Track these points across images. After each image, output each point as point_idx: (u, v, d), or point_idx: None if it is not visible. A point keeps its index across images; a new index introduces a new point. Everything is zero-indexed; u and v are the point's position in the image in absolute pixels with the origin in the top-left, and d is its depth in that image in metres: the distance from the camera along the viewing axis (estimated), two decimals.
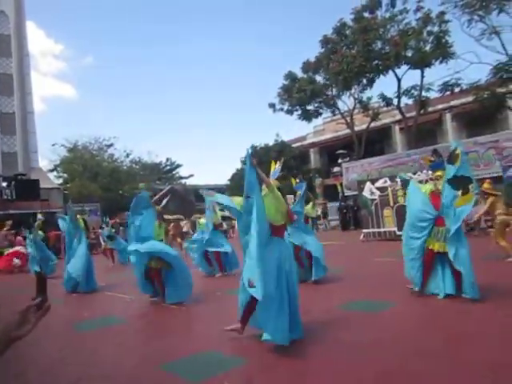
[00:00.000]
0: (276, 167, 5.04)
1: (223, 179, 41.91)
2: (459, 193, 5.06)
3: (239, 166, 38.07)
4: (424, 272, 5.43)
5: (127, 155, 43.94)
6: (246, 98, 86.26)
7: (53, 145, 38.06)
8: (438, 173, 5.53)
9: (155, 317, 5.95)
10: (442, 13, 22.56)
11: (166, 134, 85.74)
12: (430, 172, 7.75)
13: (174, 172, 52.17)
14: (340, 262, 9.58)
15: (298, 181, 7.83)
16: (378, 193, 16.25)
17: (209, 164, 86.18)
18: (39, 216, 12.96)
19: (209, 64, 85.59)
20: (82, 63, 73.39)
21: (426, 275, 5.44)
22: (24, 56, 33.36)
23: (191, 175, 52.37)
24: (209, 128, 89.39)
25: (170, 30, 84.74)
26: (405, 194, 6.43)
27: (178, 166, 51.74)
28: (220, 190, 47.09)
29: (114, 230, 15.04)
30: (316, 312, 5.09)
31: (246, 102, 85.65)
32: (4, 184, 25.82)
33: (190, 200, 44.02)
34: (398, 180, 16.05)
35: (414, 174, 14.77)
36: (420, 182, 11.40)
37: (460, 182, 5.05)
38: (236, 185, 35.91)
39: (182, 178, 51.92)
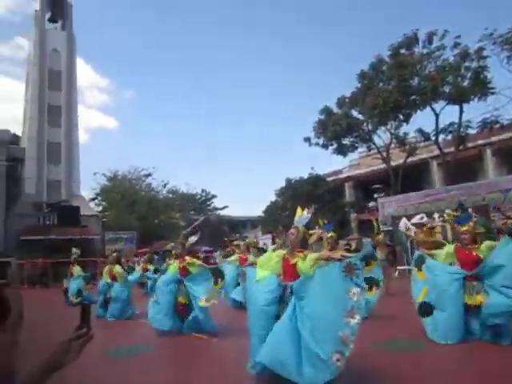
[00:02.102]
0: (305, 213, 4.85)
1: (257, 211, 42.06)
2: None
3: (273, 198, 38.25)
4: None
5: (164, 185, 45.02)
6: (283, 131, 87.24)
7: (94, 174, 39.44)
8: (465, 227, 5.38)
9: (184, 346, 5.97)
10: (481, 48, 22.43)
11: (203, 165, 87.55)
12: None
13: (208, 203, 52.88)
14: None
15: (325, 222, 7.55)
16: (413, 229, 15.90)
17: (243, 195, 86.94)
18: (74, 250, 12.52)
19: (247, 96, 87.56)
20: (124, 96, 76.76)
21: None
22: (72, 90, 35.35)
23: (226, 206, 52.98)
24: (245, 160, 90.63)
25: (210, 61, 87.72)
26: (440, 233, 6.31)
27: (213, 196, 52.50)
28: (254, 222, 47.41)
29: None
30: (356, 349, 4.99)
31: (283, 134, 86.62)
32: (47, 210, 26.95)
33: (223, 230, 44.32)
34: (436, 216, 15.74)
35: (455, 210, 14.38)
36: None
37: None
38: (270, 217, 35.95)
39: (216, 208, 52.54)
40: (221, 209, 52.54)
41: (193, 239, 7.53)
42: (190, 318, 6.44)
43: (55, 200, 29.06)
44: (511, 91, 21.53)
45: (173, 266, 7.17)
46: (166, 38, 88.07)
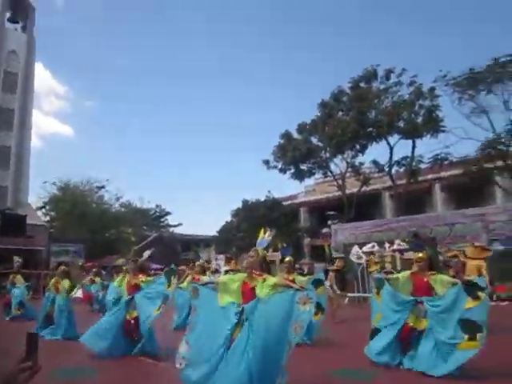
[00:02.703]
0: (265, 237, 4.85)
1: (212, 230, 41.72)
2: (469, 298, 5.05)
3: (229, 218, 38.12)
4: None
5: (117, 198, 43.84)
6: (240, 152, 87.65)
7: (44, 182, 37.71)
8: (420, 254, 5.60)
9: (130, 370, 5.72)
10: (433, 88, 23.73)
11: (159, 180, 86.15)
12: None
13: (162, 219, 51.94)
14: (323, 324, 9.39)
15: (284, 245, 7.65)
16: (364, 257, 16.25)
17: (199, 214, 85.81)
18: (16, 258, 12.01)
19: (205, 112, 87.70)
20: (83, 105, 74.83)
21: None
22: (28, 94, 34.09)
23: (180, 224, 52.12)
24: (201, 178, 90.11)
25: (172, 74, 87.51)
26: (390, 262, 6.56)
27: (168, 213, 51.58)
28: (207, 241, 46.94)
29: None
30: (309, 378, 4.96)
31: (240, 155, 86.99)
32: None
33: (175, 248, 43.55)
34: (386, 245, 16.18)
35: (403, 241, 14.85)
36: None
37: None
38: (224, 238, 35.72)
39: (170, 225, 51.65)
40: (174, 226, 51.69)
41: (147, 253, 7.37)
42: (139, 345, 6.19)
43: (0, 207, 27.57)
44: (461, 131, 22.84)
45: (122, 283, 6.93)
46: (132, 50, 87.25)
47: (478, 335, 4.85)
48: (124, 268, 8.28)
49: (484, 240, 19.31)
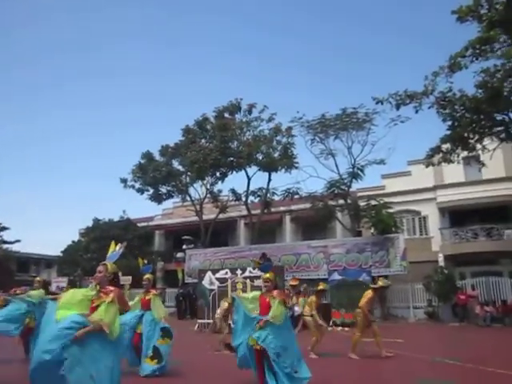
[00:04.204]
0: (117, 249, 4.61)
1: (56, 250, 38.01)
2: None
3: (76, 237, 35.26)
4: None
5: None
6: (94, 167, 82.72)
7: None
8: (267, 275, 5.86)
9: None
10: (290, 128, 25.63)
11: None
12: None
13: None
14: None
15: (145, 262, 7.68)
16: (217, 283, 16.40)
17: (43, 232, 77.94)
18: None
19: (59, 119, 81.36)
20: None
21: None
22: None
23: (17, 241, 46.32)
24: (51, 194, 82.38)
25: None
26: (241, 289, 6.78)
27: (4, 228, 45.47)
28: (49, 261, 42.67)
29: None
30: None
31: (94, 170, 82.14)
32: None
33: (9, 269, 38.64)
34: (238, 272, 16.60)
35: (254, 269, 15.36)
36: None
37: None
38: (69, 258, 32.80)
39: (5, 242, 45.62)
40: (11, 243, 45.78)
41: None
42: None
43: None
44: (311, 169, 24.96)
45: None
46: None
47: None
48: None
49: (325, 270, 21.20)
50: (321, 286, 10.43)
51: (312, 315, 9.71)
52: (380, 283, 9.64)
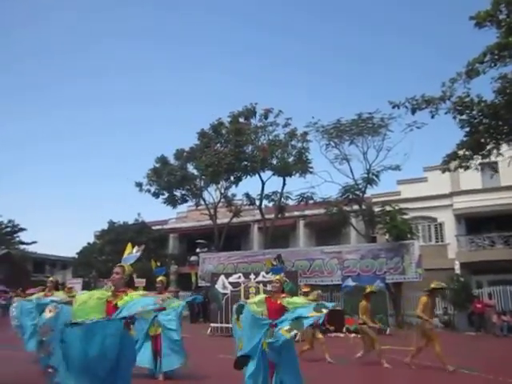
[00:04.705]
0: (133, 252, 4.62)
1: (71, 251, 38.44)
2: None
3: (92, 239, 35.63)
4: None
5: None
6: (109, 170, 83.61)
7: None
8: (277, 277, 5.78)
9: None
10: (305, 133, 25.61)
11: (15, 195, 77.55)
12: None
13: (14, 235, 46.43)
14: None
15: (158, 264, 7.66)
16: (230, 287, 16.39)
17: (59, 233, 78.96)
18: None
19: (73, 128, 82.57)
20: None
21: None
22: None
23: (34, 242, 46.92)
24: (67, 196, 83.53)
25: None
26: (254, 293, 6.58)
27: (22, 229, 46.22)
28: (65, 262, 43.19)
29: None
30: None
31: (109, 173, 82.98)
32: None
33: (25, 269, 39.25)
34: (252, 277, 16.56)
35: (267, 273, 15.31)
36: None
37: None
38: (84, 260, 33.17)
39: (22, 243, 46.32)
40: (28, 244, 46.48)
41: None
42: None
43: None
44: (326, 174, 24.88)
45: None
46: None
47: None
48: None
49: (338, 276, 21.05)
50: (369, 289, 9.89)
51: (364, 322, 9.23)
52: (432, 285, 8.79)
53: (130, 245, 4.66)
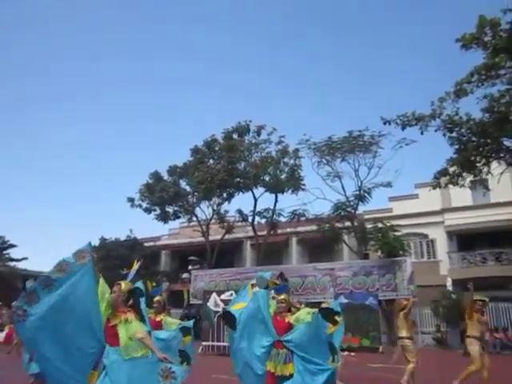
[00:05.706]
0: (135, 268, 4.62)
1: None
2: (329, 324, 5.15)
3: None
4: None
5: None
6: (101, 186, 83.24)
7: None
8: (282, 296, 5.63)
9: None
10: (297, 150, 25.82)
11: (6, 212, 76.87)
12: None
13: (4, 252, 45.89)
14: None
15: (154, 285, 7.40)
16: (222, 305, 16.28)
17: (50, 249, 78.05)
18: None
19: (65, 146, 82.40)
20: None
21: None
22: None
23: (24, 258, 46.42)
24: (59, 213, 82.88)
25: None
26: None
27: (11, 246, 45.82)
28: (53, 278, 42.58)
29: None
30: None
31: (101, 189, 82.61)
32: None
33: (15, 285, 38.68)
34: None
35: (277, 278, 15.15)
36: None
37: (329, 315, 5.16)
38: None
39: (12, 259, 45.79)
40: (18, 260, 45.94)
41: None
42: None
43: None
44: (318, 191, 25.02)
45: None
46: None
47: (335, 356, 5.15)
48: None
49: (331, 293, 20.96)
50: (405, 302, 9.18)
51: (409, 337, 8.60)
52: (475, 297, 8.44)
53: (135, 261, 4.67)
